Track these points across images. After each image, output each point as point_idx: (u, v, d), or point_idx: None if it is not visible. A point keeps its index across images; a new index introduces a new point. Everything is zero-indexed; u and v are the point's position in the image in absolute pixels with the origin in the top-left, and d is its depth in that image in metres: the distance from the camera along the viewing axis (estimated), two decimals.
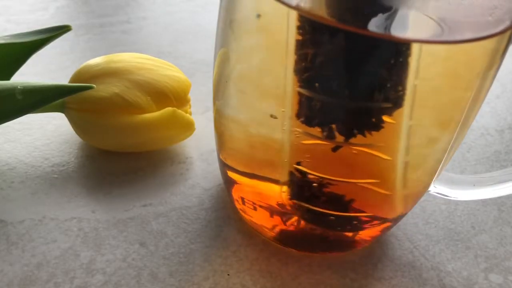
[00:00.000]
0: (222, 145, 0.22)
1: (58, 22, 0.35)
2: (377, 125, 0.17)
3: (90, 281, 0.20)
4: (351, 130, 0.17)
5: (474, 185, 0.21)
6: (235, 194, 0.23)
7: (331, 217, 0.20)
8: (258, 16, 0.18)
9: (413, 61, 0.16)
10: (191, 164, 0.26)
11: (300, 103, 0.17)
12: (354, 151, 0.18)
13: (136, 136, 0.24)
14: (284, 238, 0.22)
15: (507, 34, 0.16)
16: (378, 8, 0.15)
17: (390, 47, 0.16)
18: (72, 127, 0.25)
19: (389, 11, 0.15)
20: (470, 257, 0.23)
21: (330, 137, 0.17)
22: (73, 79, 0.25)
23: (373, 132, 0.17)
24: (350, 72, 0.16)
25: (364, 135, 0.17)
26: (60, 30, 0.25)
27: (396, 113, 0.17)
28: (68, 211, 0.23)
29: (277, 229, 0.22)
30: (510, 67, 0.36)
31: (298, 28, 0.16)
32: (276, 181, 0.20)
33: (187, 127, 0.25)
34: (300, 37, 0.16)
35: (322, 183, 0.19)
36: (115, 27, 0.36)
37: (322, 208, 0.20)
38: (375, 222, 0.21)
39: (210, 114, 0.23)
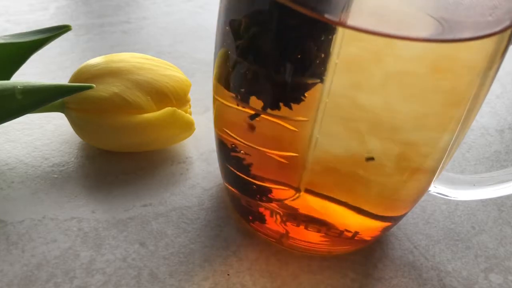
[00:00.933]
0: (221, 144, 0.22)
1: (58, 22, 0.35)
2: (298, 99, 0.17)
3: (90, 281, 0.20)
4: (275, 102, 0.18)
5: (474, 185, 0.21)
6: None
7: (254, 186, 0.21)
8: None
9: (410, 60, 0.16)
10: (191, 164, 0.26)
11: (232, 70, 0.18)
12: (269, 122, 0.18)
13: (136, 136, 0.24)
14: (283, 239, 0.22)
15: (507, 34, 0.16)
16: None
17: (321, 24, 0.16)
18: (72, 127, 0.25)
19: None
20: (470, 257, 0.23)
21: (247, 104, 0.18)
22: (73, 79, 0.25)
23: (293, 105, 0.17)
24: (281, 44, 0.16)
25: (290, 108, 0.17)
26: (60, 30, 0.25)
27: (316, 88, 0.17)
28: (68, 211, 0.23)
29: (275, 229, 0.22)
30: (510, 67, 0.36)
31: None
32: (276, 181, 0.20)
33: (187, 127, 0.25)
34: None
35: (238, 148, 0.20)
36: (115, 27, 0.36)
37: (238, 171, 0.21)
38: (281, 188, 0.21)
39: (210, 114, 0.23)
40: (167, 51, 0.34)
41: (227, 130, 0.20)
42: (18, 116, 0.23)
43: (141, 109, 0.24)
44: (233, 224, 0.23)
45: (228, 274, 0.21)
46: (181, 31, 0.37)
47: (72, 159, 0.25)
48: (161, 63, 0.25)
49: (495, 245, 0.24)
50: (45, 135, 0.26)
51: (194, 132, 0.26)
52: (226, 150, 0.21)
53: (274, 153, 0.19)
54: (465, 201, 0.26)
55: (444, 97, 0.17)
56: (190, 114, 0.26)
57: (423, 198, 0.24)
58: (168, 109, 0.24)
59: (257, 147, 0.19)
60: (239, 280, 0.21)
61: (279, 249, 0.22)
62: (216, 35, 0.20)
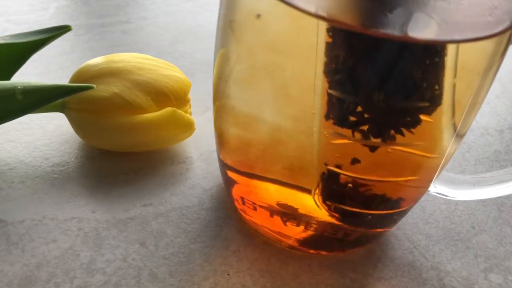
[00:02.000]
0: (222, 145, 0.22)
1: (58, 22, 0.35)
2: (415, 123, 0.17)
3: (90, 281, 0.20)
4: (387, 131, 0.17)
5: (474, 185, 0.21)
6: (235, 194, 0.23)
7: (369, 216, 0.20)
8: (258, 16, 0.18)
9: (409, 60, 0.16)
10: (191, 164, 0.26)
11: (331, 104, 0.17)
12: (390, 151, 0.18)
13: (136, 136, 0.24)
14: (283, 238, 0.22)
15: (507, 34, 0.16)
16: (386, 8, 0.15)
17: (422, 48, 0.16)
18: (72, 127, 0.25)
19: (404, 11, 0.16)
20: (470, 257, 0.23)
21: (365, 138, 0.17)
22: (73, 79, 0.25)
23: (412, 131, 0.17)
24: (381, 75, 0.16)
25: (402, 134, 0.17)
26: (60, 30, 0.25)
27: (435, 111, 0.17)
28: (68, 211, 0.23)
29: (275, 229, 0.22)
30: (510, 67, 0.36)
31: (328, 30, 0.16)
32: (276, 181, 0.20)
33: (187, 127, 0.25)
34: (329, 40, 0.16)
35: (358, 184, 0.19)
36: (115, 27, 0.36)
37: (360, 209, 0.20)
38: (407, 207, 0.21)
39: (210, 114, 0.23)
40: (167, 51, 0.34)
41: (329, 165, 0.19)
42: (18, 116, 0.23)
43: (141, 109, 0.24)
44: (233, 224, 0.23)
45: (228, 274, 0.21)
46: (181, 31, 0.37)
47: (72, 159, 0.25)
48: (161, 63, 0.25)
49: (495, 245, 0.24)
50: (45, 135, 0.26)
51: (194, 132, 0.26)
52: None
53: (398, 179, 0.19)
54: (465, 201, 0.26)
55: (444, 97, 0.17)
56: (190, 114, 0.26)
57: (423, 198, 0.24)
58: (168, 109, 0.24)
59: (381, 178, 0.19)
60: (239, 280, 0.21)
61: (279, 249, 0.22)
62: (216, 35, 0.20)
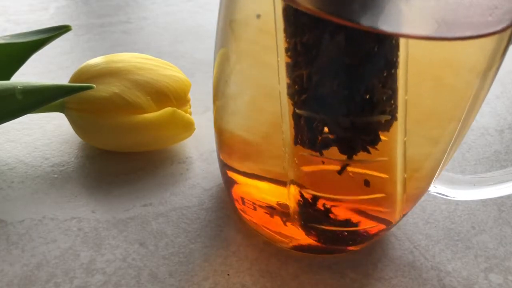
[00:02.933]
0: (222, 145, 0.22)
1: (58, 22, 0.36)
2: (376, 140, 0.17)
3: (90, 281, 0.20)
4: (354, 148, 0.17)
5: (474, 185, 0.21)
6: (235, 194, 0.23)
7: (345, 233, 0.20)
8: (258, 16, 0.18)
9: (409, 59, 0.16)
10: (191, 164, 0.26)
11: (298, 126, 0.17)
12: (359, 170, 0.18)
13: (136, 136, 0.24)
14: (283, 239, 0.22)
15: (507, 34, 0.16)
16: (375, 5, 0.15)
17: (382, 57, 0.16)
18: (72, 127, 0.25)
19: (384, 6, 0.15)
20: (470, 257, 0.23)
21: (333, 157, 0.17)
22: (73, 79, 0.25)
23: (375, 148, 0.17)
24: (349, 85, 0.16)
25: (368, 151, 0.17)
26: (60, 30, 0.25)
27: (393, 126, 0.17)
28: (68, 211, 0.23)
29: (275, 229, 0.22)
30: (510, 67, 0.36)
31: (287, 50, 0.16)
32: (276, 181, 0.20)
33: (187, 127, 0.25)
34: (290, 60, 0.16)
35: (332, 204, 0.19)
36: (115, 27, 0.36)
37: (336, 227, 0.20)
38: (382, 227, 0.21)
39: (210, 114, 0.23)
40: (167, 51, 0.34)
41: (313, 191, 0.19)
42: (18, 116, 0.23)
43: (141, 109, 0.24)
44: (233, 224, 0.23)
45: (228, 274, 0.21)
46: (181, 31, 0.37)
47: (72, 159, 0.25)
48: (161, 63, 0.25)
49: (495, 245, 0.24)
50: (45, 135, 0.26)
51: (194, 132, 0.26)
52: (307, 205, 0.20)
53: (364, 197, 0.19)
54: (465, 201, 0.26)
55: (444, 97, 0.17)
56: (190, 114, 0.26)
57: (423, 198, 0.24)
58: (168, 109, 0.24)
59: (343, 197, 0.19)
60: (239, 280, 0.21)
61: (279, 249, 0.22)
62: (216, 35, 0.20)
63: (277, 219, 0.21)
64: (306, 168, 0.18)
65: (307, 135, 0.17)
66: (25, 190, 0.24)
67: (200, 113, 0.29)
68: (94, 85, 0.22)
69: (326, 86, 0.16)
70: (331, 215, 0.19)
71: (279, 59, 0.16)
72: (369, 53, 0.15)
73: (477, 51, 0.16)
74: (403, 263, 0.23)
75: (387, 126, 0.17)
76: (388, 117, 0.16)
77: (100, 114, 0.24)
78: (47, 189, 0.24)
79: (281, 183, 0.20)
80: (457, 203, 0.26)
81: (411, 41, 0.16)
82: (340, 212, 0.20)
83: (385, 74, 0.16)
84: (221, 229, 0.23)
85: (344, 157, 0.17)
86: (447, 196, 0.22)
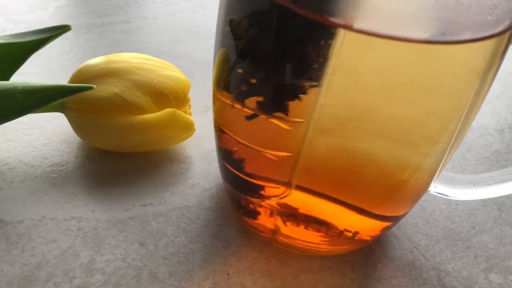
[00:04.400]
0: (222, 145, 0.22)
1: (58, 21, 0.35)
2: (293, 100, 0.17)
3: (89, 281, 0.20)
4: (273, 103, 0.18)
5: (474, 185, 0.21)
6: (235, 194, 0.23)
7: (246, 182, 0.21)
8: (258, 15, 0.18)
9: (409, 60, 0.16)
10: (191, 164, 0.26)
11: (231, 71, 0.18)
12: (265, 121, 0.18)
13: (135, 136, 0.24)
14: (283, 238, 0.22)
15: (507, 34, 0.16)
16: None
17: (321, 28, 0.16)
18: (72, 127, 0.25)
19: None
20: (470, 257, 0.23)
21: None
22: (73, 79, 0.25)
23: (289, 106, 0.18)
24: (281, 47, 0.17)
25: (286, 111, 0.18)
26: (60, 30, 0.25)
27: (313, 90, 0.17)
28: (67, 210, 0.23)
29: (275, 229, 0.22)
30: (510, 67, 0.36)
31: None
32: (276, 181, 0.20)
33: (187, 128, 0.25)
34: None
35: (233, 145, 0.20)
36: (115, 27, 0.36)
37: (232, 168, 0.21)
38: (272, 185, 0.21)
39: (210, 114, 0.23)
40: (167, 51, 0.34)
41: (223, 128, 0.21)
42: (18, 117, 0.23)
43: (141, 110, 0.24)
44: (233, 224, 0.23)
45: (228, 274, 0.21)
46: (181, 31, 0.37)
47: (72, 159, 0.25)
48: (160, 63, 0.25)
49: (495, 245, 0.24)
50: (44, 135, 0.26)
51: (194, 132, 0.26)
52: (223, 148, 0.21)
53: (268, 152, 0.19)
54: (465, 201, 0.26)
55: (444, 97, 0.17)
56: (190, 114, 0.26)
57: (423, 198, 0.24)
58: (168, 110, 0.24)
59: (251, 145, 0.20)
60: (239, 280, 0.21)
61: (279, 249, 0.22)
62: (216, 35, 0.20)
63: (277, 219, 0.21)
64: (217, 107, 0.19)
65: (233, 79, 0.18)
66: (24, 190, 0.24)
67: (200, 113, 0.29)
68: (94, 86, 0.22)
69: (260, 40, 0.17)
70: (236, 158, 0.20)
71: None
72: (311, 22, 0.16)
73: (477, 51, 0.16)
74: (403, 263, 0.23)
75: (309, 89, 0.17)
76: (315, 83, 0.17)
77: (100, 114, 0.24)
78: (47, 189, 0.24)
79: (281, 183, 0.20)
80: (457, 203, 0.26)
81: (411, 43, 0.16)
82: (245, 159, 0.20)
83: (322, 43, 0.16)
84: (221, 229, 0.23)
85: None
86: (447, 196, 0.22)
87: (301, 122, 0.18)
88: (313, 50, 0.16)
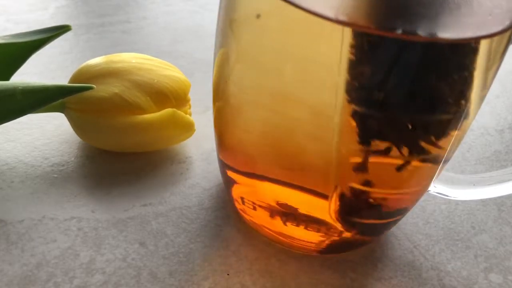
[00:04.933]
0: (222, 145, 0.22)
1: (57, 21, 0.35)
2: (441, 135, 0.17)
3: (89, 280, 0.20)
4: (418, 145, 0.17)
5: (474, 185, 0.21)
6: (235, 194, 0.23)
7: (379, 225, 0.20)
8: (258, 16, 0.18)
9: (409, 59, 0.16)
10: (191, 163, 0.26)
11: (354, 122, 0.17)
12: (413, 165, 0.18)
13: (136, 136, 0.24)
14: (283, 239, 0.22)
15: (507, 34, 0.16)
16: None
17: (451, 62, 0.16)
18: (72, 127, 0.25)
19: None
20: (470, 257, 0.23)
21: (394, 154, 0.17)
22: (73, 79, 0.25)
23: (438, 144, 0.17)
24: (409, 85, 0.16)
25: (434, 145, 0.17)
26: (59, 30, 0.25)
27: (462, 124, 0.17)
28: (67, 210, 0.23)
29: (275, 229, 0.22)
30: (510, 67, 0.36)
31: (352, 47, 0.16)
32: (276, 181, 0.20)
33: (187, 128, 0.25)
34: (353, 56, 0.16)
35: (378, 197, 0.19)
36: (115, 27, 0.36)
37: (374, 220, 0.20)
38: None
39: (210, 114, 0.23)
40: (167, 51, 0.34)
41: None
42: (18, 117, 0.23)
43: (141, 110, 0.24)
44: (233, 224, 0.23)
45: (227, 274, 0.21)
46: (181, 31, 0.37)
47: (72, 159, 0.25)
48: (160, 63, 0.25)
49: (495, 245, 0.24)
50: (44, 135, 0.26)
51: (194, 132, 0.26)
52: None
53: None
54: (465, 201, 0.26)
55: (444, 97, 0.17)
56: (190, 114, 0.26)
57: (423, 198, 0.24)
58: (168, 110, 0.24)
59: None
60: (239, 280, 0.21)
61: (279, 249, 0.22)
62: (216, 35, 0.20)
63: (277, 219, 0.21)
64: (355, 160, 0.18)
65: (362, 131, 0.17)
66: (25, 190, 0.24)
67: (200, 113, 0.29)
68: (94, 86, 0.22)
69: (392, 86, 0.16)
70: (373, 207, 0.20)
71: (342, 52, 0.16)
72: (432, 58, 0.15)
73: (477, 51, 0.16)
74: (403, 263, 0.23)
75: (454, 125, 0.17)
76: (452, 116, 0.17)
77: (100, 114, 0.24)
78: (47, 189, 0.24)
79: (281, 182, 0.20)
80: (457, 203, 0.26)
81: (411, 41, 0.16)
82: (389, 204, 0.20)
83: (455, 78, 0.16)
84: (221, 229, 0.23)
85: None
86: (447, 196, 0.22)
87: None
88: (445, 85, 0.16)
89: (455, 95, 0.16)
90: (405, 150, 0.17)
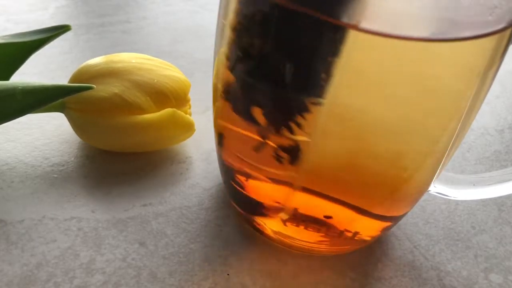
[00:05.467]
0: (222, 145, 0.22)
1: (57, 21, 0.35)
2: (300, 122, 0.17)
3: (89, 280, 0.20)
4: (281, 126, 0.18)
5: (474, 185, 0.21)
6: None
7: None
8: (258, 16, 0.17)
9: (409, 60, 0.16)
10: (191, 163, 0.26)
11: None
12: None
13: (135, 136, 0.24)
14: (283, 239, 0.22)
15: (507, 33, 0.16)
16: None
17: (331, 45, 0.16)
18: (72, 127, 0.25)
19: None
20: (470, 257, 0.23)
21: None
22: (73, 79, 0.25)
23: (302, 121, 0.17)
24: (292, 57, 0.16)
25: (292, 132, 0.17)
26: (59, 30, 0.25)
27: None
28: (67, 210, 0.23)
29: (275, 229, 0.22)
30: (510, 67, 0.36)
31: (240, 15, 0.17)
32: (276, 181, 0.20)
33: (187, 128, 0.25)
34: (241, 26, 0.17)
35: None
36: (115, 27, 0.36)
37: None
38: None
39: (210, 114, 0.23)
40: (167, 51, 0.34)
41: (235, 152, 0.20)
42: (18, 117, 0.23)
43: (141, 110, 0.24)
44: (233, 224, 0.23)
45: (228, 274, 0.21)
46: (181, 31, 0.37)
47: (72, 159, 0.25)
48: (160, 63, 0.25)
49: (495, 245, 0.24)
50: (44, 135, 0.26)
51: (194, 132, 0.26)
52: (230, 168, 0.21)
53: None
54: (465, 201, 0.26)
55: (444, 97, 0.17)
56: (190, 114, 0.26)
57: (423, 198, 0.24)
58: (168, 110, 0.24)
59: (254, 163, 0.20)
60: (239, 280, 0.21)
61: (279, 249, 0.22)
62: (216, 35, 0.20)
63: (277, 219, 0.21)
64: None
65: (242, 101, 0.18)
66: (25, 190, 0.24)
67: (200, 113, 0.29)
68: (94, 86, 0.22)
69: (273, 60, 0.17)
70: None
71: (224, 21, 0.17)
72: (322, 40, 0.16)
73: (477, 51, 0.16)
74: (403, 263, 0.23)
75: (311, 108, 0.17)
76: (320, 99, 0.17)
77: (100, 114, 0.24)
78: (47, 189, 0.24)
79: (281, 182, 0.20)
80: (457, 203, 0.26)
81: (411, 41, 0.16)
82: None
83: (329, 60, 0.16)
84: (221, 229, 0.23)
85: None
86: (447, 196, 0.22)
87: (308, 133, 0.18)
88: (320, 68, 0.16)
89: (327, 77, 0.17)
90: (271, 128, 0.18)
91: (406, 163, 0.19)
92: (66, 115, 0.25)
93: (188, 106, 0.26)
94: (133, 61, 0.25)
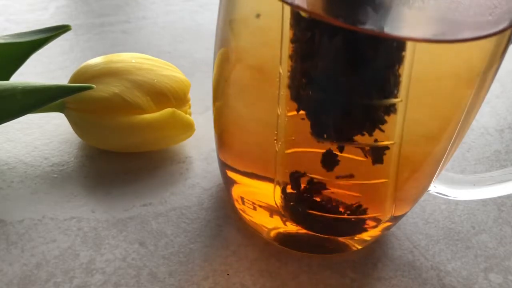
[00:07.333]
0: (221, 145, 0.22)
1: (57, 21, 0.35)
2: (381, 121, 0.17)
3: (89, 280, 0.20)
4: (356, 130, 0.17)
5: (474, 185, 0.21)
6: (235, 194, 0.23)
7: (335, 221, 0.20)
8: (258, 16, 0.18)
9: (409, 60, 0.16)
10: (190, 163, 0.26)
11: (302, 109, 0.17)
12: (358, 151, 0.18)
13: (135, 136, 0.24)
14: (283, 239, 0.22)
15: (507, 33, 0.16)
16: (375, 6, 0.15)
17: (390, 46, 0.16)
18: (72, 127, 0.25)
19: (386, 8, 0.15)
20: (470, 257, 0.23)
21: (334, 138, 0.17)
22: (73, 79, 0.25)
23: (376, 130, 0.17)
24: (352, 72, 0.16)
25: (370, 134, 0.17)
26: (59, 30, 0.25)
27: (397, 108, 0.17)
28: (67, 210, 0.23)
29: (276, 230, 0.22)
30: (510, 67, 0.36)
31: (295, 41, 0.16)
32: (276, 181, 0.20)
33: (187, 128, 0.25)
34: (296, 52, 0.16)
35: (327, 187, 0.19)
36: (115, 27, 0.36)
37: (329, 214, 0.20)
38: (375, 223, 0.21)
39: (210, 114, 0.23)
40: (167, 51, 0.34)
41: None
42: (18, 116, 0.23)
43: (141, 110, 0.24)
44: (233, 224, 0.23)
45: (228, 274, 0.21)
46: (181, 31, 0.37)
47: (72, 158, 0.25)
48: (160, 63, 0.25)
49: (495, 245, 0.24)
50: (44, 135, 0.26)
51: (194, 132, 0.26)
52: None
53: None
54: (465, 201, 0.26)
55: (444, 97, 0.17)
56: (190, 114, 0.26)
57: (423, 198, 0.24)
58: (167, 110, 0.24)
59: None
60: (239, 279, 0.21)
61: (279, 249, 0.22)
62: (216, 35, 0.20)
63: (277, 219, 0.21)
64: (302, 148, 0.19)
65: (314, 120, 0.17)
66: (24, 189, 0.24)
67: (200, 113, 0.29)
68: (94, 86, 0.22)
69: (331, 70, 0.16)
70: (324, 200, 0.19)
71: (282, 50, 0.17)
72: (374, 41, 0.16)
73: (477, 51, 0.16)
74: (403, 263, 0.23)
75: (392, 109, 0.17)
76: (393, 101, 0.17)
77: (100, 114, 0.24)
78: (47, 188, 0.24)
79: (281, 183, 0.20)
80: (457, 203, 0.26)
81: (411, 42, 0.16)
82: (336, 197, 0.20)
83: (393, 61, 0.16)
84: (221, 229, 0.23)
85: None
86: (447, 196, 0.22)
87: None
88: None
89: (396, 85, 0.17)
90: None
91: (406, 163, 0.19)
92: (66, 115, 0.25)
93: (188, 106, 0.26)
94: (133, 61, 0.25)
